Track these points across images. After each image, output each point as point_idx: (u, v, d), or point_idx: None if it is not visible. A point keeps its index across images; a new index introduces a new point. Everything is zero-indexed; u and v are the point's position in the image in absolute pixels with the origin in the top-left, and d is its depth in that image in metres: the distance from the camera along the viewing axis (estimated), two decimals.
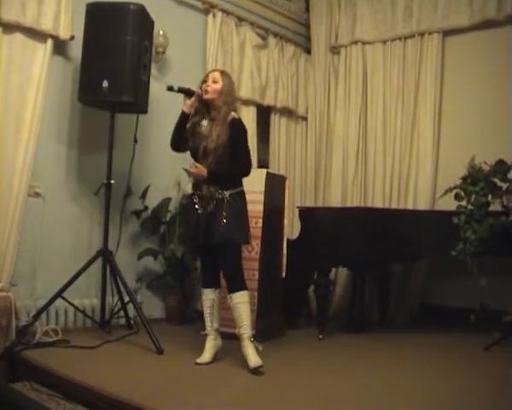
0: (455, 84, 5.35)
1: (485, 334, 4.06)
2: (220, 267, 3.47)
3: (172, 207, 4.76)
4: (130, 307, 4.26)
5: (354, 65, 5.81)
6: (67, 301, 3.89)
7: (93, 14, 3.98)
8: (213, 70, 3.63)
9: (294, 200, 5.74)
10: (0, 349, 3.47)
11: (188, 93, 3.43)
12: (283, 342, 4.19)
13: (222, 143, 3.34)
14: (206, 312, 3.51)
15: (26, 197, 3.92)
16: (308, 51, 6.17)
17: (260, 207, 4.17)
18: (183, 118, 3.45)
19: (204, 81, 3.48)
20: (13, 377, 3.34)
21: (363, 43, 5.78)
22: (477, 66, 5.21)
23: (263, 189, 4.18)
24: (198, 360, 3.39)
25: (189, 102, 3.42)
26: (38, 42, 3.97)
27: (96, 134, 4.35)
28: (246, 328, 3.34)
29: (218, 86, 3.42)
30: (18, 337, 3.56)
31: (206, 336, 3.50)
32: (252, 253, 4.13)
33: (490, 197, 4.15)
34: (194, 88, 3.44)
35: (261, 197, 4.17)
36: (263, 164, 5.48)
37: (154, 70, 4.58)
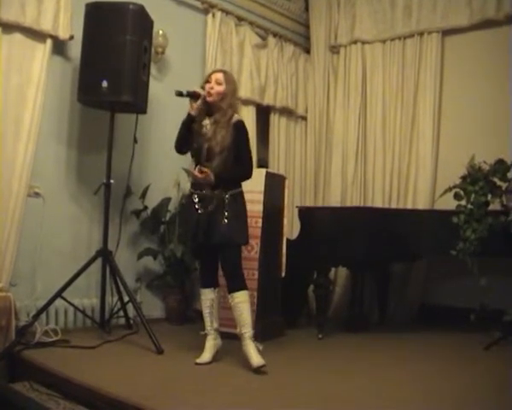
0: (454, 83, 5.35)
1: (485, 334, 4.06)
2: (221, 267, 3.47)
3: (172, 206, 4.76)
4: (130, 307, 4.26)
5: (353, 65, 5.81)
6: (67, 301, 3.89)
7: (92, 13, 3.97)
8: (216, 70, 3.58)
9: (294, 199, 5.74)
10: (0, 349, 3.47)
11: (194, 96, 3.38)
12: (283, 342, 4.19)
13: (227, 145, 3.34)
14: (206, 312, 3.51)
15: (26, 197, 3.91)
16: (307, 51, 6.17)
17: (260, 207, 4.17)
18: (190, 120, 3.41)
19: (207, 81, 3.45)
20: (13, 377, 3.34)
21: (363, 42, 5.78)
22: (476, 65, 5.21)
23: (262, 188, 4.18)
24: (198, 360, 3.39)
25: (195, 105, 3.38)
26: (38, 42, 3.96)
27: (96, 134, 4.34)
28: (247, 327, 3.34)
29: (222, 88, 3.41)
30: (18, 337, 3.56)
31: (205, 336, 3.50)
32: (251, 253, 4.13)
33: (489, 197, 4.16)
34: (200, 90, 3.40)
35: (261, 197, 4.17)
36: (262, 164, 5.48)
37: (153, 70, 4.58)
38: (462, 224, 4.12)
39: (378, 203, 5.50)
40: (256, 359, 3.25)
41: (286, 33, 5.94)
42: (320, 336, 4.33)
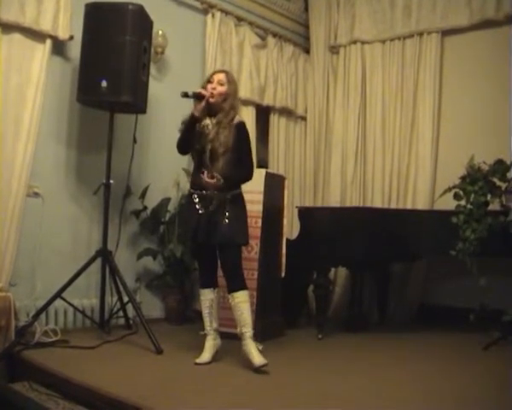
0: (454, 83, 5.35)
1: (485, 334, 4.06)
2: (221, 267, 3.46)
3: (172, 207, 4.76)
4: (130, 307, 4.25)
5: (353, 65, 5.81)
6: (67, 301, 3.89)
7: (92, 14, 3.97)
8: (218, 71, 3.57)
9: (294, 200, 5.74)
10: None
11: (199, 97, 3.36)
12: (283, 342, 4.19)
13: (230, 146, 3.34)
14: (205, 312, 3.50)
15: (25, 197, 3.91)
16: (307, 51, 6.18)
17: (260, 207, 4.17)
18: (194, 122, 3.39)
19: (208, 81, 3.45)
20: (12, 378, 3.34)
21: (362, 42, 5.78)
22: (476, 65, 5.21)
23: (262, 189, 4.19)
24: (197, 360, 3.38)
25: (199, 106, 3.36)
26: (37, 42, 3.96)
27: (95, 134, 4.34)
28: (248, 327, 3.34)
29: (224, 89, 3.40)
30: (17, 338, 3.56)
31: (205, 336, 3.50)
32: (251, 253, 4.13)
33: (489, 197, 4.16)
34: (204, 91, 3.38)
35: (260, 197, 4.17)
36: (262, 164, 5.48)
37: (153, 70, 4.58)
38: (461, 224, 4.12)
39: (377, 203, 5.50)
40: (258, 358, 3.25)
41: (285, 33, 5.94)
42: (320, 336, 4.33)
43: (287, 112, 5.89)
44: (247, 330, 3.34)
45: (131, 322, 4.26)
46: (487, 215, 4.09)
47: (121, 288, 4.04)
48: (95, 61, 3.91)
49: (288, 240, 4.53)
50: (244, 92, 5.26)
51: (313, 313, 4.83)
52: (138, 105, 4.11)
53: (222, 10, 5.24)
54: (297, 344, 4.21)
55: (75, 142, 4.37)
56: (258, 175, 4.15)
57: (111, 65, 3.89)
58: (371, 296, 5.34)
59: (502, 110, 4.92)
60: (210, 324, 3.49)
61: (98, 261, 4.02)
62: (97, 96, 3.93)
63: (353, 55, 5.82)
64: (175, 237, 4.63)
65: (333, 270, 5.28)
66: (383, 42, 5.68)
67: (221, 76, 3.46)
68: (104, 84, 3.86)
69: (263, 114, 5.72)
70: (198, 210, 3.38)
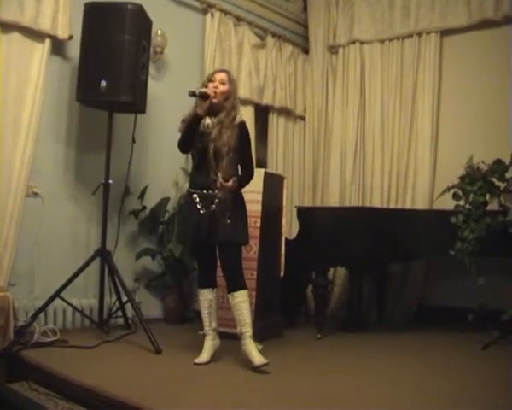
0: (453, 83, 5.35)
1: (484, 333, 4.06)
2: (221, 267, 3.46)
3: (171, 206, 4.76)
4: (129, 307, 4.25)
5: (352, 65, 5.81)
6: (66, 301, 3.90)
7: (91, 13, 3.97)
8: (219, 70, 3.58)
9: (293, 199, 5.75)
10: None
11: (204, 97, 3.35)
12: (281, 342, 4.19)
13: (233, 146, 3.34)
14: (204, 312, 3.50)
15: (25, 197, 3.92)
16: (306, 51, 6.18)
17: (258, 207, 4.16)
18: (197, 120, 3.38)
19: (210, 80, 3.45)
20: (11, 377, 3.33)
21: (361, 42, 5.78)
22: (475, 66, 5.21)
23: (261, 188, 4.18)
24: (196, 360, 3.38)
25: (204, 105, 3.34)
26: (36, 41, 3.96)
27: (94, 134, 4.34)
28: (247, 327, 3.33)
29: (226, 88, 3.41)
30: (16, 337, 3.56)
31: (204, 336, 3.50)
32: (250, 253, 4.12)
33: (488, 197, 4.15)
34: (208, 91, 3.37)
35: (259, 197, 4.17)
36: (261, 164, 5.48)
37: (152, 70, 4.57)
38: (460, 224, 4.12)
39: (376, 203, 5.50)
40: (258, 358, 3.25)
41: (284, 33, 5.94)
42: (319, 335, 4.33)
43: (286, 112, 5.89)
44: (247, 329, 3.33)
45: (130, 322, 4.26)
46: (486, 215, 4.08)
47: (120, 288, 4.04)
48: (94, 60, 3.92)
49: (287, 240, 4.53)
50: (243, 92, 5.26)
51: (312, 312, 4.84)
52: (137, 105, 4.11)
53: (221, 10, 5.24)
54: (296, 344, 4.21)
55: (74, 141, 4.37)
56: (257, 175, 4.13)
57: (110, 65, 3.89)
58: (370, 296, 5.35)
59: (501, 110, 4.92)
60: (209, 324, 3.48)
61: (97, 261, 4.02)
62: (96, 95, 3.93)
63: (352, 55, 5.82)
64: (174, 237, 4.63)
65: (332, 270, 5.29)
66: (382, 42, 5.68)
67: (222, 75, 3.46)
68: (103, 83, 3.86)
69: (262, 113, 5.72)
70: (199, 210, 3.37)
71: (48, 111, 4.14)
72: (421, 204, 5.22)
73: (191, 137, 3.40)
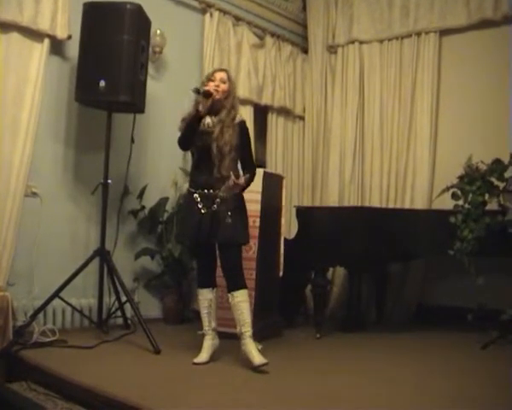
0: (452, 83, 5.36)
1: (483, 333, 4.07)
2: (221, 267, 3.45)
3: (170, 206, 4.76)
4: (128, 307, 4.25)
5: (351, 64, 5.81)
6: (65, 300, 3.90)
7: (90, 13, 3.97)
8: (219, 69, 3.61)
9: (292, 199, 5.75)
10: None
11: (207, 95, 3.35)
12: (281, 342, 4.19)
13: (235, 145, 3.35)
14: (204, 312, 3.50)
15: (24, 197, 3.91)
16: (305, 51, 6.18)
17: (258, 207, 4.16)
18: (198, 119, 3.38)
19: (210, 79, 3.45)
20: (10, 377, 3.33)
21: (360, 42, 5.78)
22: (474, 65, 5.21)
23: (260, 188, 4.18)
24: (195, 360, 3.38)
25: (206, 103, 3.35)
26: (35, 41, 3.96)
27: (93, 134, 4.34)
28: (247, 326, 3.33)
29: (226, 87, 3.43)
30: (15, 337, 3.56)
31: (203, 335, 3.50)
32: (249, 252, 4.12)
33: (487, 196, 4.16)
34: (212, 89, 3.37)
35: (258, 197, 4.17)
36: (260, 163, 5.47)
37: (151, 69, 4.58)
38: (459, 223, 4.12)
39: (376, 203, 5.50)
40: (258, 358, 3.24)
41: (283, 33, 5.94)
42: (318, 335, 4.33)
43: (285, 111, 5.89)
44: (247, 329, 3.33)
45: (129, 322, 4.25)
46: (485, 215, 4.09)
47: (119, 287, 4.03)
48: (93, 60, 3.91)
49: (286, 240, 4.53)
50: (242, 92, 5.26)
51: (311, 312, 4.83)
52: (136, 104, 4.10)
53: (220, 10, 5.24)
54: (295, 344, 4.21)
55: (73, 141, 4.37)
56: (257, 175, 4.13)
57: (109, 64, 3.89)
58: (369, 296, 5.35)
59: (500, 110, 4.92)
60: (208, 324, 3.48)
61: (96, 261, 4.02)
62: (95, 95, 3.93)
63: (351, 55, 5.82)
64: (173, 237, 4.62)
65: (331, 269, 5.29)
66: (381, 42, 5.68)
67: (222, 74, 3.48)
68: (102, 83, 3.85)
69: (261, 113, 5.72)
70: (200, 210, 3.37)
71: (47, 111, 4.13)
72: (420, 204, 5.23)
73: (192, 136, 3.40)
